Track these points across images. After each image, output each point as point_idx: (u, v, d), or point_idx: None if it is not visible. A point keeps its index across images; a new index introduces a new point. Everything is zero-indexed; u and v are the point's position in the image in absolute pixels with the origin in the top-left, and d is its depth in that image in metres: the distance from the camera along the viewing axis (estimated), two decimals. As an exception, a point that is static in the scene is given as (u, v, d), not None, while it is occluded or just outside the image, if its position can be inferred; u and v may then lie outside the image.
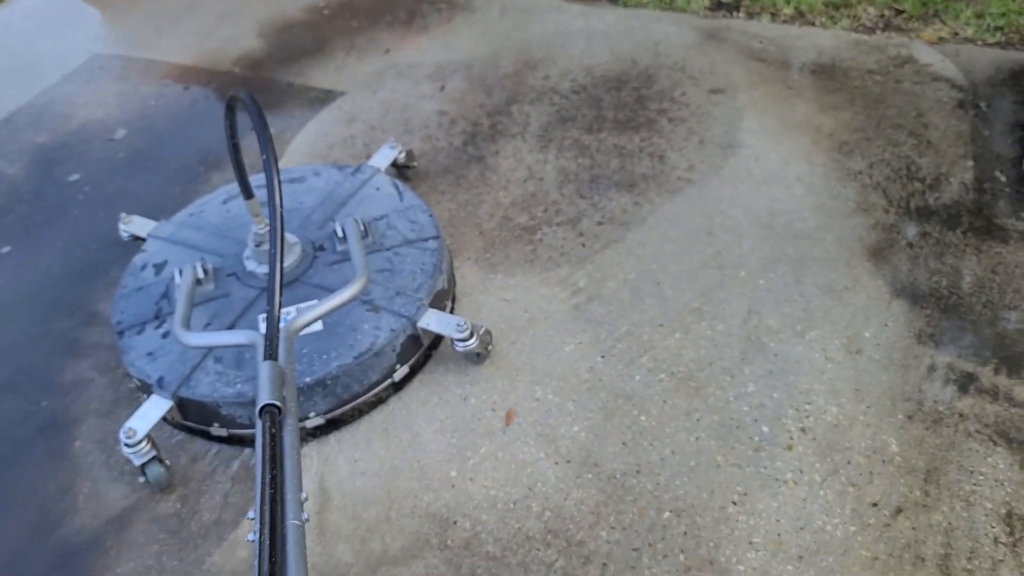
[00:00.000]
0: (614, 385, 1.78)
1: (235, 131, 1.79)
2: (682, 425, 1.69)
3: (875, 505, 1.51)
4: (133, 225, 2.26)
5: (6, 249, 2.47)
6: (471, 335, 1.77)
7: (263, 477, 1.12)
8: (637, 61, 2.70)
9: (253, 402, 1.59)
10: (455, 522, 1.59)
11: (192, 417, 1.79)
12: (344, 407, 1.78)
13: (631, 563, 1.50)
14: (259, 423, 1.22)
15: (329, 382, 1.73)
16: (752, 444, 1.63)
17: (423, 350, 1.87)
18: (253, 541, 1.06)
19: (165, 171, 2.64)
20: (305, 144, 2.63)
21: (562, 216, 2.20)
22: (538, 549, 1.54)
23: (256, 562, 1.02)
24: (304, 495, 1.16)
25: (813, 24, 2.74)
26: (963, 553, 1.42)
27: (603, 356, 1.84)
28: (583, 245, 2.10)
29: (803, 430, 1.64)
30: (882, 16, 2.72)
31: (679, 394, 1.74)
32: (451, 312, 1.96)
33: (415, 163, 2.39)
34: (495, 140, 2.49)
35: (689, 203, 2.16)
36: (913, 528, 1.47)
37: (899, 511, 1.49)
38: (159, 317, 1.91)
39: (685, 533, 1.53)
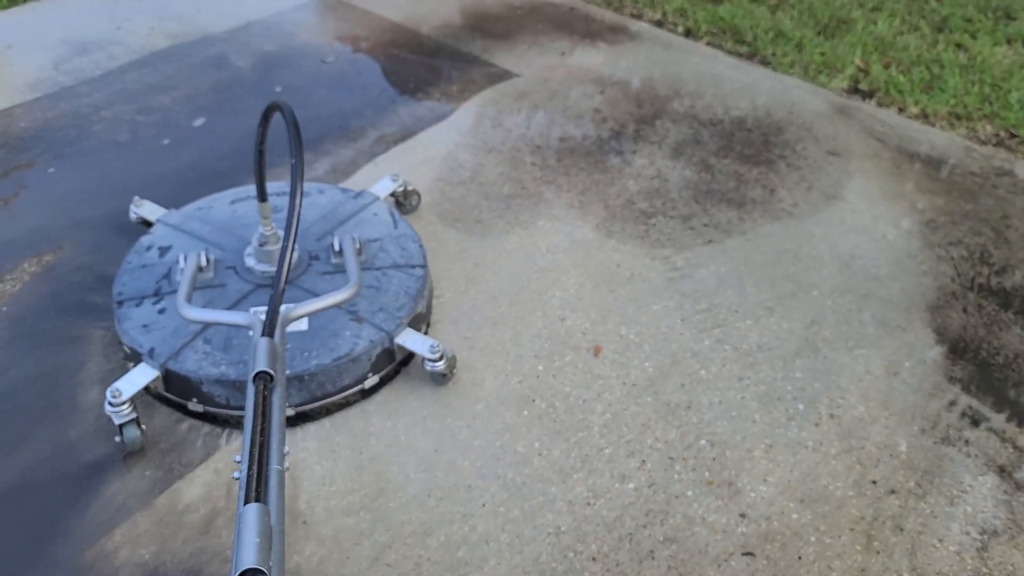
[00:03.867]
0: (685, 343, 2.09)
1: (264, 139, 1.85)
2: (732, 385, 1.98)
3: (874, 483, 1.77)
4: (144, 209, 2.32)
5: (199, 121, 2.94)
6: (441, 357, 1.88)
7: (253, 427, 1.22)
8: (771, 113, 3.02)
9: (234, 384, 1.79)
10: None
11: (173, 390, 1.87)
12: (315, 403, 1.87)
13: (666, 466, 1.80)
14: (252, 386, 1.31)
15: (306, 378, 1.82)
16: (786, 414, 1.92)
17: (395, 364, 1.97)
18: (239, 479, 1.16)
19: (359, 96, 3.08)
20: (478, 106, 3.03)
21: (676, 212, 2.52)
22: (594, 440, 1.86)
23: (242, 494, 1.11)
24: (286, 449, 1.25)
25: (933, 125, 3.01)
26: (935, 535, 1.68)
27: (683, 320, 2.15)
28: (688, 237, 2.42)
29: (831, 415, 1.91)
30: (996, 135, 2.97)
31: (736, 363, 2.04)
32: (425, 334, 2.07)
33: (415, 202, 2.48)
34: (636, 142, 2.84)
35: (785, 230, 2.46)
36: (900, 507, 1.73)
37: (893, 492, 1.75)
38: (158, 295, 1.99)
39: (714, 459, 1.82)
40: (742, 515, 1.71)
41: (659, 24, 3.68)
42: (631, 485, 1.77)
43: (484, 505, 1.73)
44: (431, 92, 3.12)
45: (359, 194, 2.34)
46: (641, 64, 3.33)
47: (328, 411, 1.91)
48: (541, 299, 2.21)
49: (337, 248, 2.07)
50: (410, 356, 2.01)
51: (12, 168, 2.70)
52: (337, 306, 1.84)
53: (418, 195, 2.49)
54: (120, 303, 1.98)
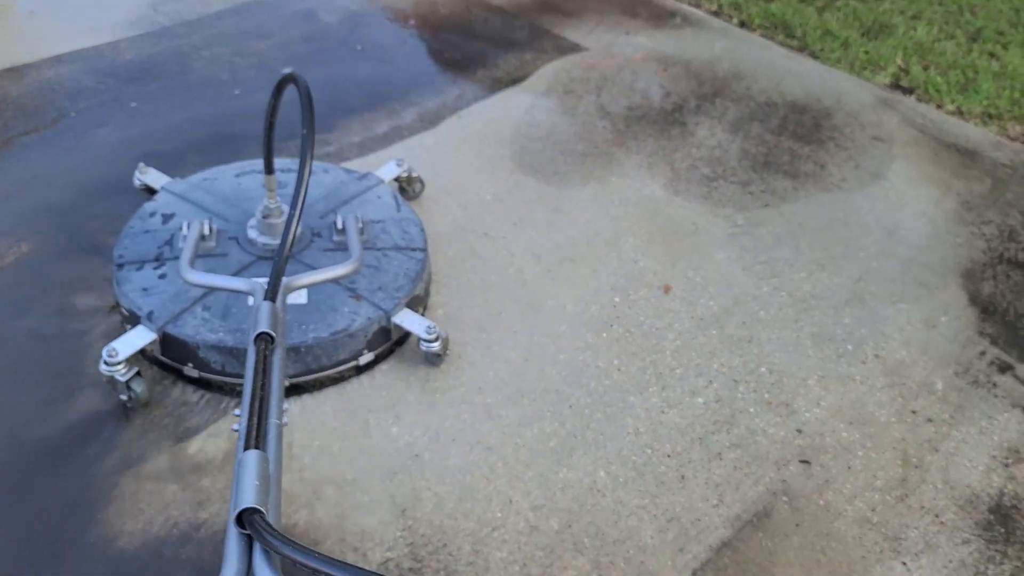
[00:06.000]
0: (746, 288, 2.31)
1: (275, 111, 1.84)
2: (789, 325, 2.20)
3: (914, 412, 2.00)
4: (148, 176, 2.30)
5: (288, 69, 3.15)
6: (436, 339, 1.90)
7: (254, 383, 1.24)
8: (821, 100, 3.24)
9: (231, 351, 1.78)
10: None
11: (170, 354, 1.86)
12: (309, 376, 1.88)
13: (730, 388, 2.02)
14: (254, 346, 1.34)
15: (303, 350, 1.83)
16: (836, 351, 2.14)
17: (390, 343, 1.98)
18: (237, 431, 1.18)
19: (439, 57, 3.29)
20: (551, 73, 3.25)
21: (736, 178, 2.74)
22: (667, 361, 2.08)
23: (242, 442, 1.13)
24: (285, 406, 1.30)
25: (967, 122, 3.23)
26: (966, 457, 1.90)
27: (744, 269, 2.37)
28: (747, 200, 2.64)
29: (876, 356, 2.14)
30: (1025, 134, 3.20)
31: (792, 308, 2.26)
32: (423, 316, 2.05)
33: (418, 189, 2.49)
34: (697, 115, 3.06)
35: (835, 200, 2.68)
36: (936, 432, 1.95)
37: (929, 420, 1.98)
38: (159, 259, 1.99)
39: (773, 384, 2.04)
40: (798, 430, 1.93)
41: (715, 14, 3.89)
42: (700, 400, 1.99)
43: (571, 407, 1.95)
44: (507, 58, 3.33)
45: (364, 176, 2.35)
46: (701, 47, 3.55)
47: (322, 384, 1.92)
48: (616, 243, 2.43)
49: (340, 226, 2.07)
50: (405, 336, 2.02)
51: (123, 95, 2.90)
52: (338, 280, 1.87)
53: (421, 182, 2.48)
54: (120, 266, 1.96)
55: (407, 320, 1.95)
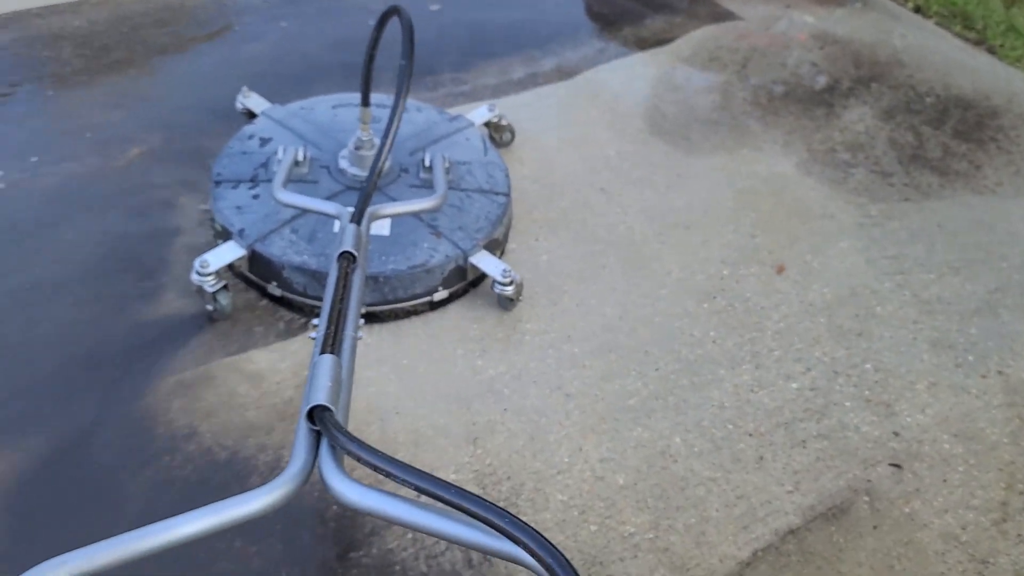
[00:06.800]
0: (866, 281, 2.17)
1: (376, 43, 1.88)
2: (907, 326, 2.06)
3: (1031, 437, 1.84)
4: (250, 100, 2.39)
5: (435, 7, 3.18)
6: (511, 283, 1.91)
7: (334, 295, 1.28)
8: (990, 97, 2.98)
9: (313, 274, 1.83)
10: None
11: (256, 271, 1.92)
12: (384, 306, 1.92)
13: (828, 378, 1.92)
14: (336, 263, 1.37)
15: (380, 280, 1.87)
16: (954, 360, 1.99)
17: (465, 283, 2.00)
18: (314, 338, 1.22)
19: (588, 12, 3.25)
20: (699, 38, 3.14)
21: (877, 168, 2.58)
22: (766, 341, 2.00)
23: (318, 348, 1.16)
24: (362, 320, 1.30)
25: None
26: (1083, 494, 1.73)
27: (867, 261, 2.24)
28: (886, 192, 2.48)
29: (1000, 372, 1.97)
30: None
31: (914, 308, 2.11)
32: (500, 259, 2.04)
33: (508, 137, 2.48)
34: (848, 98, 2.89)
35: (985, 204, 2.47)
36: (1053, 463, 1.79)
37: (1048, 449, 1.81)
38: (254, 180, 2.05)
39: (876, 382, 1.92)
40: (895, 433, 1.82)
41: (888, -4, 3.65)
42: (794, 385, 1.90)
43: (657, 370, 1.91)
44: (656, 19, 3.25)
45: (455, 118, 2.36)
46: (866, 29, 3.33)
47: (396, 316, 1.95)
48: (735, 215, 2.35)
49: (427, 164, 2.10)
50: (481, 278, 2.04)
51: (279, 15, 3.04)
52: (421, 213, 1.89)
53: (512, 131, 2.47)
54: (218, 183, 2.04)
55: (484, 261, 1.96)
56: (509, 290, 1.92)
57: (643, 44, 3.07)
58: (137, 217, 2.15)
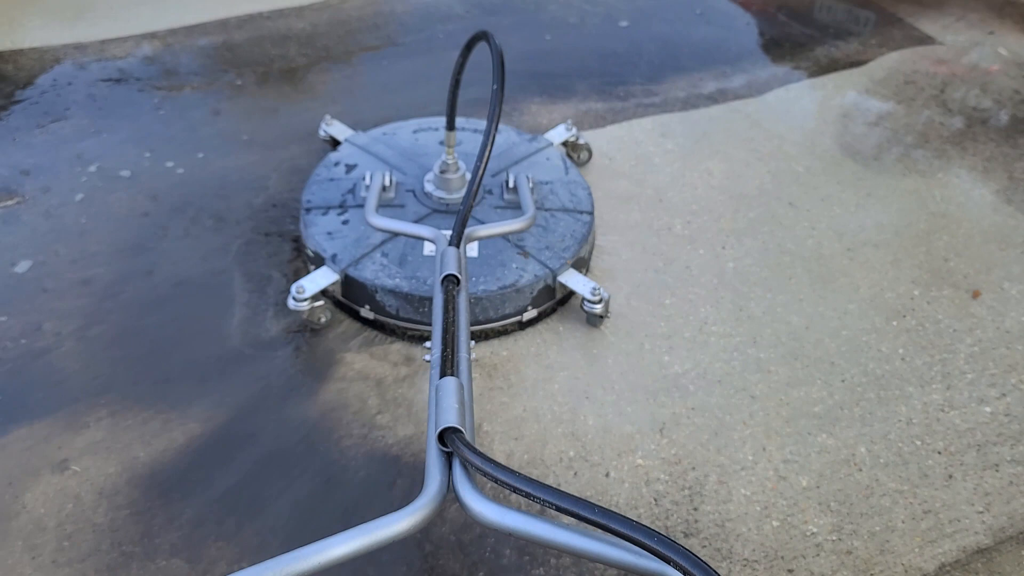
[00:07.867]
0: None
1: (462, 68, 1.88)
2: None
3: None
4: (333, 128, 2.42)
5: (624, 23, 3.29)
6: (600, 300, 1.92)
7: (445, 318, 1.30)
8: None
9: (405, 296, 1.86)
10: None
11: (350, 295, 1.95)
12: (475, 326, 1.94)
13: (924, 377, 1.89)
14: (441, 287, 1.40)
15: (472, 301, 1.87)
16: None
17: (554, 302, 2.01)
18: (429, 361, 1.25)
19: (769, 35, 3.27)
20: (894, 61, 3.11)
21: None
22: (958, 363, 1.98)
23: (436, 371, 1.18)
24: (472, 342, 1.33)
25: None
26: None
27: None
28: None
29: None
30: None
31: None
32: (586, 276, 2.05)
33: (585, 157, 2.50)
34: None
35: None
36: None
37: None
38: (343, 206, 2.08)
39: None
40: (1097, 468, 1.77)
41: (1103, 24, 3.46)
42: (988, 409, 1.88)
43: (843, 381, 1.94)
44: (848, 40, 3.24)
45: (534, 138, 2.38)
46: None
47: (487, 336, 1.97)
48: (927, 238, 2.33)
49: (511, 185, 2.11)
50: (569, 295, 2.06)
51: (480, 24, 3.26)
52: (514, 233, 1.90)
53: (589, 150, 2.50)
54: (308, 210, 2.07)
55: (572, 280, 1.98)
56: (598, 308, 1.94)
57: (835, 65, 3.08)
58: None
